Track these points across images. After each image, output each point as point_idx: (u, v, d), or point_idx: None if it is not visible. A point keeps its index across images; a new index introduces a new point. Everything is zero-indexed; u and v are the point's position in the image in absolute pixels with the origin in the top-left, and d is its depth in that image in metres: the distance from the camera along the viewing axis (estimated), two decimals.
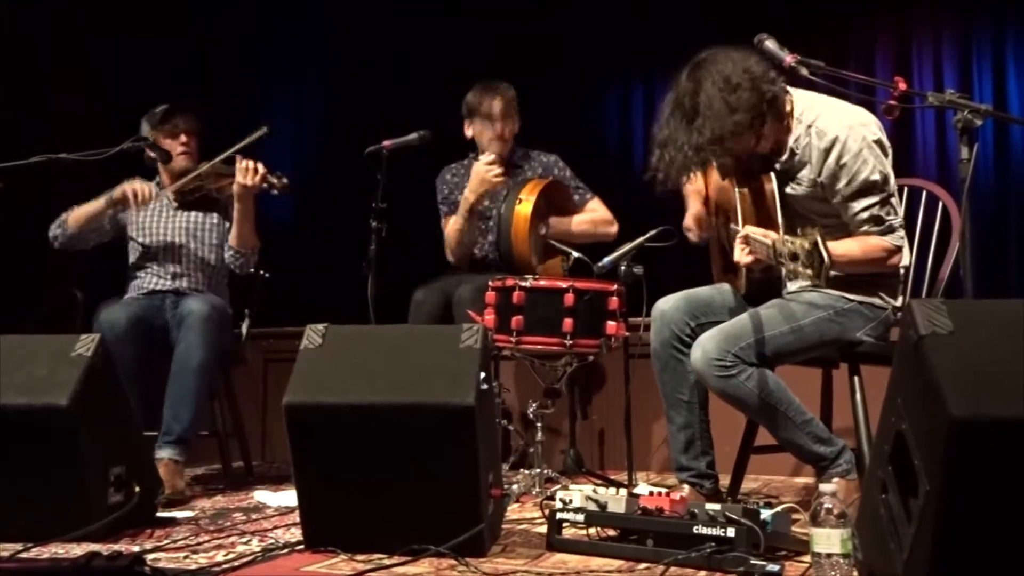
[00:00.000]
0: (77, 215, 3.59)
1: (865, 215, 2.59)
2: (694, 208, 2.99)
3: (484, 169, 3.56)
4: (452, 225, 3.72)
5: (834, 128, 2.57)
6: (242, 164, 3.52)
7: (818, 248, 2.14)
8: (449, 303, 3.54)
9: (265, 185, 3.54)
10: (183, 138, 3.65)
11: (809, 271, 2.17)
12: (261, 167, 3.53)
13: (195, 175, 3.61)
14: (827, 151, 2.58)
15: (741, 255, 2.53)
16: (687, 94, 2.55)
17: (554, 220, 3.65)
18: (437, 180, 3.87)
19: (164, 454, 3.20)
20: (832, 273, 2.27)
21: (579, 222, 3.72)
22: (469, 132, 3.79)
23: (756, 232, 2.49)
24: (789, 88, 2.64)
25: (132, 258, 3.69)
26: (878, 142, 2.58)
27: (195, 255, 3.66)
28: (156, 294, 3.60)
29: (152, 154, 3.54)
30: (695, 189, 2.99)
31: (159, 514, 2.76)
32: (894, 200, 2.63)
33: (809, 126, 2.62)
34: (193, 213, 3.69)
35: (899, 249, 2.62)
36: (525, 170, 3.78)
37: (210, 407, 3.61)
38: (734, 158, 2.64)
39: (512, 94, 3.73)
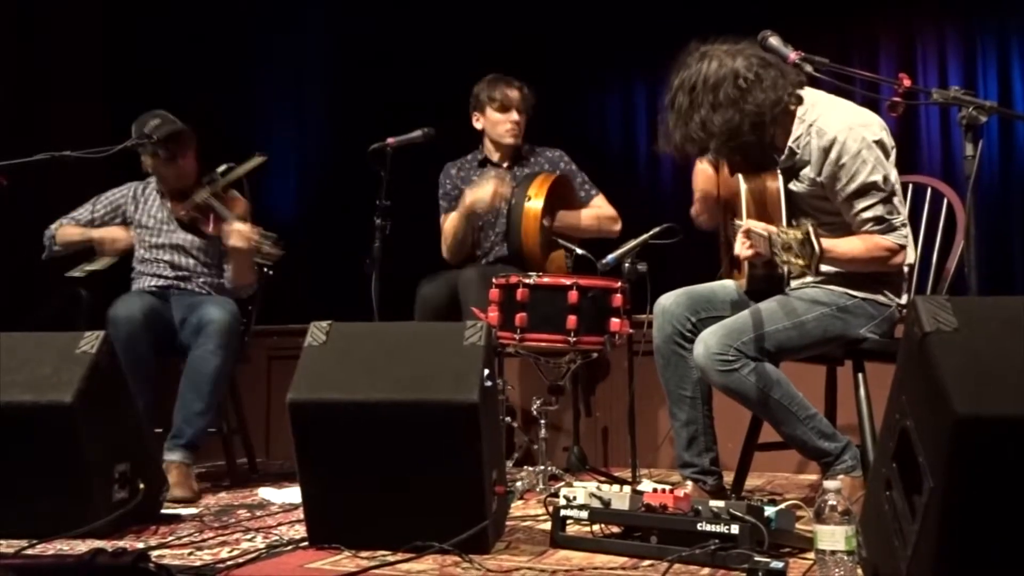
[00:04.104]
0: (65, 239, 3.69)
1: (866, 215, 2.58)
2: (700, 187, 2.94)
3: (498, 183, 3.55)
4: (449, 223, 3.72)
5: (833, 128, 2.57)
6: (232, 226, 3.46)
7: (809, 239, 2.19)
8: (455, 296, 3.55)
9: (257, 253, 3.50)
10: (180, 161, 3.59)
11: (801, 261, 2.21)
12: (252, 231, 3.47)
13: (194, 205, 3.56)
14: (826, 151, 2.58)
15: (742, 248, 2.54)
16: (708, 78, 2.56)
17: (560, 214, 3.65)
18: (441, 175, 3.87)
19: (175, 457, 3.21)
20: (825, 268, 2.29)
21: (584, 217, 3.73)
22: (479, 124, 3.79)
23: (757, 226, 2.49)
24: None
25: (139, 254, 3.68)
26: (879, 142, 2.57)
27: (186, 266, 3.66)
28: (160, 290, 3.61)
29: (158, 152, 3.53)
30: (705, 173, 2.94)
31: (164, 511, 2.77)
32: (896, 199, 2.62)
33: (810, 125, 2.62)
34: (188, 236, 3.67)
35: (901, 248, 2.62)
36: (532, 164, 3.79)
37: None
38: (743, 153, 2.64)
39: (527, 88, 3.76)
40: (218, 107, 4.00)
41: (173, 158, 3.55)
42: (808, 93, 2.67)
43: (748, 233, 2.52)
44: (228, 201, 3.61)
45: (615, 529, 2.33)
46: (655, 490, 2.28)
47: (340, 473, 2.28)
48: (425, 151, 3.50)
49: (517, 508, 2.85)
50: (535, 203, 3.50)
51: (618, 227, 3.77)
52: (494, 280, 3.16)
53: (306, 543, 2.31)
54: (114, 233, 3.67)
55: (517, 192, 3.54)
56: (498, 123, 3.74)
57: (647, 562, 2.14)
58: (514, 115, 3.73)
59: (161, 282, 3.62)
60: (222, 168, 3.65)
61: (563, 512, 2.32)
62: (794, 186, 2.67)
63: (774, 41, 2.50)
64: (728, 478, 2.91)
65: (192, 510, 2.92)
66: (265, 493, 3.21)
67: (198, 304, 3.49)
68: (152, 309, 3.43)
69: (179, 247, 3.65)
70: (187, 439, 3.24)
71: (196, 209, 3.56)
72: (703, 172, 2.91)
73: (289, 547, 2.32)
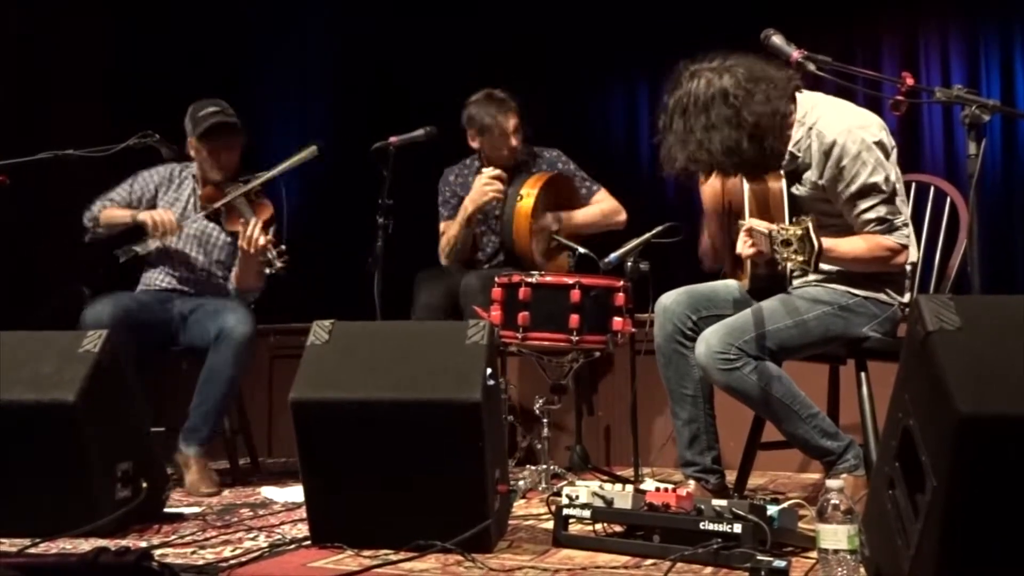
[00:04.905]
0: (109, 221, 3.57)
1: (868, 216, 2.58)
2: (708, 235, 2.97)
3: (486, 182, 3.56)
4: (450, 231, 3.72)
5: (833, 131, 2.57)
6: (247, 230, 3.40)
7: (809, 235, 2.20)
8: (451, 296, 3.55)
9: (261, 258, 3.43)
10: (223, 154, 3.57)
11: (801, 257, 2.21)
12: (263, 239, 3.39)
13: (225, 201, 3.54)
14: (826, 154, 2.58)
15: (744, 247, 2.54)
16: (697, 98, 2.56)
17: (564, 215, 3.65)
18: (440, 182, 3.87)
19: (193, 451, 3.31)
20: (827, 267, 2.28)
21: (588, 214, 3.72)
22: (475, 144, 3.77)
23: (759, 224, 2.49)
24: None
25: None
26: (878, 143, 2.57)
27: (202, 265, 3.64)
28: (165, 292, 3.60)
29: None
30: (712, 197, 2.95)
31: (166, 510, 2.78)
32: (899, 199, 2.62)
33: (810, 128, 2.62)
34: (211, 224, 3.64)
35: (904, 248, 2.62)
36: (531, 166, 3.79)
37: None
38: (746, 166, 2.64)
39: (518, 106, 3.71)
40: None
41: (215, 148, 3.55)
42: (806, 96, 2.66)
43: (750, 231, 2.52)
44: (256, 205, 3.58)
45: (617, 528, 2.33)
46: (657, 489, 2.28)
47: (343, 472, 2.27)
48: (427, 150, 3.50)
49: (519, 507, 2.84)
50: (526, 202, 3.50)
51: (623, 217, 3.76)
52: (496, 279, 3.16)
53: (308, 542, 2.31)
54: (164, 216, 3.49)
55: (510, 192, 3.54)
56: (497, 148, 3.70)
57: (649, 561, 2.14)
58: (511, 141, 3.69)
59: (167, 284, 3.60)
60: (268, 176, 3.63)
61: (565, 511, 2.32)
62: (796, 190, 2.67)
63: (777, 40, 2.50)
64: (730, 477, 2.90)
65: (195, 509, 2.92)
66: (268, 492, 3.21)
67: (212, 307, 3.47)
68: (123, 312, 3.34)
69: (198, 237, 3.63)
70: (204, 434, 3.33)
71: (224, 205, 3.55)
72: (710, 188, 2.91)
73: (292, 546, 2.32)
